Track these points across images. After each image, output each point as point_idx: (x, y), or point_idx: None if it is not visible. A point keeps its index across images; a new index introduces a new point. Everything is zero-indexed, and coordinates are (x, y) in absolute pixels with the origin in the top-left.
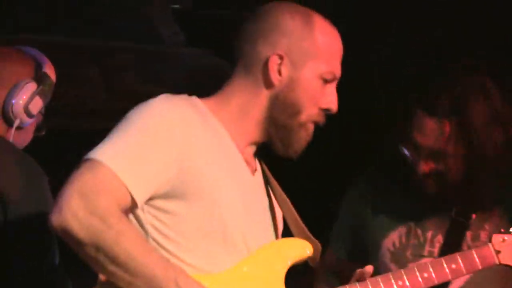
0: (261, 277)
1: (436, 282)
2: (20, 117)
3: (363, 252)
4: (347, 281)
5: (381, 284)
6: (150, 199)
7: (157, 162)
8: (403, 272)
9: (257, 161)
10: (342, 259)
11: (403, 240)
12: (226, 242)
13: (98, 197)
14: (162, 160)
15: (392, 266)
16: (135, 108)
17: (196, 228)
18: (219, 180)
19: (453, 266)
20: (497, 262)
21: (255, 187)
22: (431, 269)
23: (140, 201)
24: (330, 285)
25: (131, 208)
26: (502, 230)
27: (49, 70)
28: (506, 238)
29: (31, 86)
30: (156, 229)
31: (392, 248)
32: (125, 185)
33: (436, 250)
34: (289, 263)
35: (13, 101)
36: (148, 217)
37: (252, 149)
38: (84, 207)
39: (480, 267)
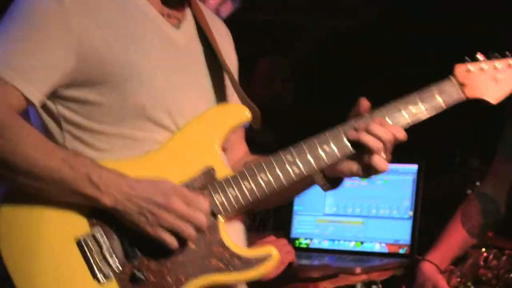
0: (191, 152)
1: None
2: None
3: None
4: None
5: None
6: (55, 91)
7: (49, 55)
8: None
9: (188, 11)
10: None
11: None
12: (147, 123)
13: None
14: (54, 52)
15: None
16: None
17: (111, 113)
18: (130, 52)
19: (412, 109)
20: (462, 97)
21: (182, 42)
22: (386, 116)
23: (37, 100)
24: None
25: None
26: (466, 58)
27: None
28: (471, 68)
29: None
30: (68, 120)
31: None
32: (16, 88)
33: None
34: (226, 130)
35: None
36: (59, 108)
37: None
38: None
39: (443, 106)
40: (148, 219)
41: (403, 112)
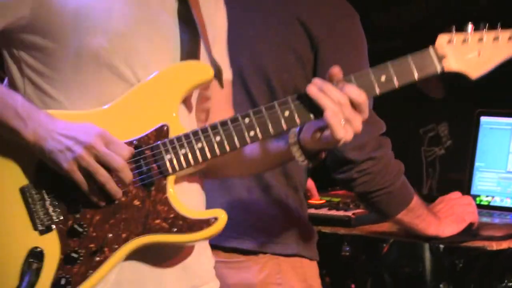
0: (147, 108)
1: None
2: None
3: None
4: None
5: None
6: (15, 35)
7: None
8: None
9: None
10: None
11: None
12: (104, 72)
13: None
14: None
15: None
16: None
17: (67, 59)
18: (87, 4)
19: (383, 78)
20: (438, 69)
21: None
22: (354, 81)
23: None
24: None
25: None
26: (453, 28)
27: None
28: (454, 39)
29: None
30: (30, 66)
31: None
32: None
33: None
34: (187, 87)
35: None
36: (22, 54)
37: None
38: None
39: (416, 77)
40: (66, 156)
41: (373, 80)
